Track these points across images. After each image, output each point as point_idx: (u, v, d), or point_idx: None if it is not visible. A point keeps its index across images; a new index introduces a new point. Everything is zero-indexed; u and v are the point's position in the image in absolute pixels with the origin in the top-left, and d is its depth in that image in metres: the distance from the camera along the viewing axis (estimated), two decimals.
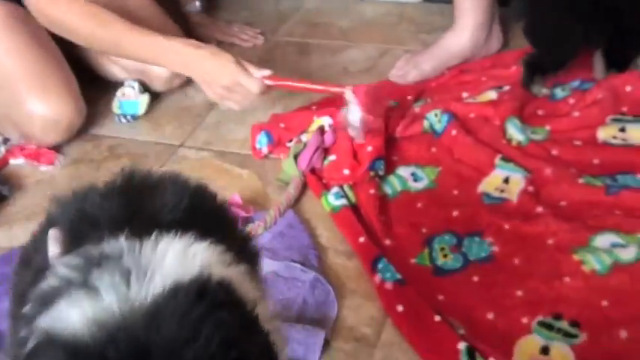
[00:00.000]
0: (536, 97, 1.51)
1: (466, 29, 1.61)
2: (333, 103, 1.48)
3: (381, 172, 1.35)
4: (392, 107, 1.50)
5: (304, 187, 1.36)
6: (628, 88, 1.45)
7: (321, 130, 1.43)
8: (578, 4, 1.41)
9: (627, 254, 1.11)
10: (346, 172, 1.35)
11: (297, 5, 2.07)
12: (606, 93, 1.45)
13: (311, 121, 1.48)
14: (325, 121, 1.46)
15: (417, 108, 1.51)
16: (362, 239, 1.21)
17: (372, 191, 1.30)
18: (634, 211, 1.19)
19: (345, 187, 1.33)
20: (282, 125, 1.50)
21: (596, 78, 1.50)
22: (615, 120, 1.41)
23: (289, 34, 1.93)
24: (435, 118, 1.46)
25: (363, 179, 1.33)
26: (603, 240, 1.14)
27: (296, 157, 1.38)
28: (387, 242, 1.22)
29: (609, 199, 1.22)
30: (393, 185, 1.34)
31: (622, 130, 1.38)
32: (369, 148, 1.36)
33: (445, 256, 1.18)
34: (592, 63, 1.53)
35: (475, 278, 1.13)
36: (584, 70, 1.55)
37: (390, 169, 1.38)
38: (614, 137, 1.37)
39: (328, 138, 1.41)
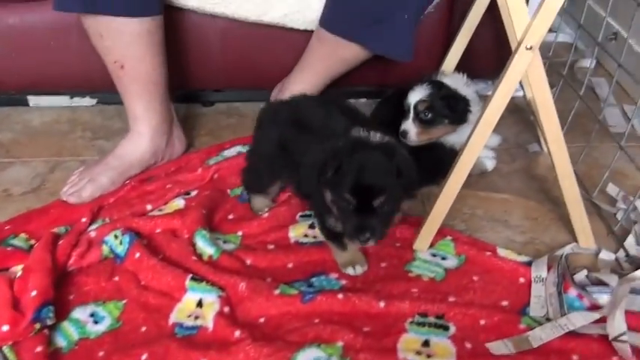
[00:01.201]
0: (226, 200, 1.43)
1: (143, 135, 1.47)
2: None
3: (50, 322, 1.11)
4: (61, 235, 1.28)
5: None
6: None
7: None
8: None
9: None
10: (5, 328, 1.08)
11: None
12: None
13: None
14: None
15: (92, 232, 1.31)
16: None
17: (39, 349, 1.06)
18: (332, 316, 1.14)
19: (5, 350, 1.07)
20: None
21: None
22: (304, 216, 1.38)
23: None
24: (116, 241, 1.28)
25: (26, 335, 1.08)
26: (306, 357, 1.06)
27: None
28: None
29: (306, 307, 1.15)
30: (67, 334, 1.12)
31: (312, 226, 1.35)
32: (33, 293, 1.12)
33: None
34: None
35: None
36: None
37: (63, 313, 1.15)
38: (306, 235, 1.33)
39: None
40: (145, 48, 1.38)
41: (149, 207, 1.39)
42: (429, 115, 1.41)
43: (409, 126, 1.42)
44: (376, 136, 1.08)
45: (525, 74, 1.14)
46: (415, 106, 1.41)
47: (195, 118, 1.75)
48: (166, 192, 1.44)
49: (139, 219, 1.34)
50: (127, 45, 1.38)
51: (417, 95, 1.41)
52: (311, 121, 1.19)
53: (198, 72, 1.66)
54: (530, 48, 1.09)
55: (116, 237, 1.28)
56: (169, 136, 1.53)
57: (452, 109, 1.38)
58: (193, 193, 1.44)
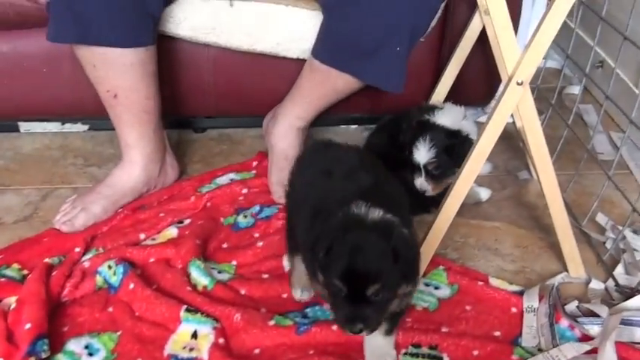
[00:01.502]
0: (220, 229, 1.44)
1: (136, 163, 1.47)
2: None
3: (44, 355, 1.10)
4: (54, 265, 1.28)
5: None
6: None
7: None
8: None
9: None
10: None
11: None
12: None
13: None
14: None
15: (86, 262, 1.31)
16: None
17: None
18: (327, 347, 1.15)
19: None
20: None
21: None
22: None
23: None
24: (110, 271, 1.28)
25: None
26: None
27: None
28: None
29: (301, 338, 1.16)
30: None
31: None
32: (28, 326, 1.12)
33: None
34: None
35: None
36: (264, 194, 1.53)
37: (58, 345, 1.14)
38: None
39: None
40: (138, 78, 1.39)
41: (142, 236, 1.39)
42: (440, 171, 1.43)
43: (424, 184, 1.45)
44: (375, 213, 0.97)
45: (516, 107, 1.16)
46: (425, 167, 1.44)
47: (186, 144, 1.75)
48: (159, 220, 1.44)
49: (133, 248, 1.34)
50: (120, 75, 1.38)
51: (423, 156, 1.42)
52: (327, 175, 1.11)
53: (190, 99, 1.66)
54: (521, 83, 1.11)
55: (110, 267, 1.28)
56: (162, 164, 1.53)
57: (458, 155, 1.37)
58: (186, 222, 1.45)
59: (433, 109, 1.48)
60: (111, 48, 1.35)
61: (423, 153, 1.42)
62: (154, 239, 1.40)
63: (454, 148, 1.41)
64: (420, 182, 1.45)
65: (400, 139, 1.47)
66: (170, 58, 1.59)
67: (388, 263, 0.94)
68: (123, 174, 1.47)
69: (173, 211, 1.47)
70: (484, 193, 1.53)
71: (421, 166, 1.44)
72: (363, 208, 0.98)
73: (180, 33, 1.55)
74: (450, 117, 1.47)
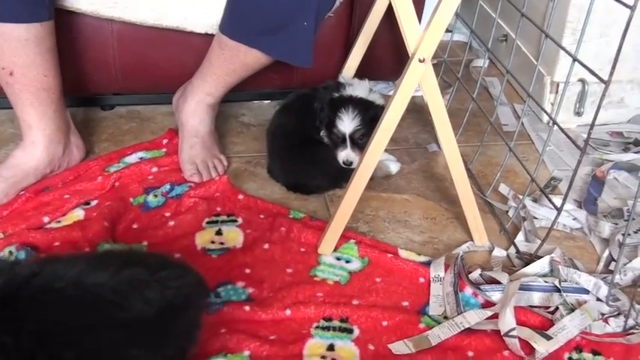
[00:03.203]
0: (129, 209, 1.40)
1: (38, 144, 1.41)
2: None
3: None
4: None
5: None
6: (217, 194, 1.46)
7: None
8: None
9: None
10: None
11: None
12: (198, 198, 1.42)
13: None
14: None
15: None
16: None
17: None
18: (238, 325, 1.15)
19: None
20: None
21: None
22: (211, 222, 1.38)
23: None
24: (11, 257, 1.22)
25: None
26: None
27: None
28: None
29: (212, 318, 1.15)
30: None
31: (219, 232, 1.35)
32: None
33: None
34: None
35: None
36: (174, 173, 1.50)
37: None
38: (212, 242, 1.33)
39: None
40: (34, 54, 1.33)
41: (46, 219, 1.34)
42: (365, 139, 1.42)
43: (351, 155, 1.45)
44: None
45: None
46: (351, 136, 1.44)
47: (94, 122, 1.69)
48: (64, 202, 1.39)
49: (36, 232, 1.29)
50: (15, 51, 1.31)
51: (348, 125, 1.43)
52: None
53: (95, 76, 1.60)
54: (423, 60, 1.13)
55: (11, 253, 1.23)
56: (66, 144, 1.48)
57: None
58: (93, 203, 1.40)
59: (340, 85, 1.49)
60: (3, 23, 1.28)
61: (347, 123, 1.43)
62: (58, 222, 1.35)
63: (376, 117, 1.42)
64: (347, 154, 1.45)
65: (315, 116, 1.48)
66: (71, 33, 1.52)
67: None
68: (24, 155, 1.41)
69: (79, 192, 1.43)
70: (394, 167, 1.56)
71: (347, 137, 1.44)
72: None
73: (80, 7, 1.48)
74: (360, 90, 1.49)
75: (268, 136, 1.58)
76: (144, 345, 0.89)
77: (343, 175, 1.43)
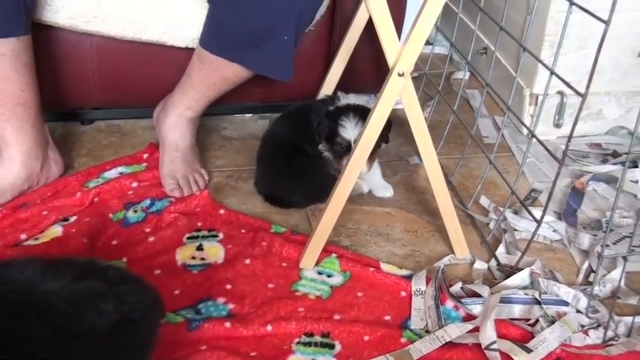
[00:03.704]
0: (109, 225, 1.39)
1: (15, 160, 1.40)
2: None
3: None
4: None
5: None
6: (198, 209, 1.45)
7: None
8: None
9: None
10: None
11: None
12: (179, 213, 1.42)
13: None
14: None
15: None
16: None
17: None
18: (219, 341, 1.14)
19: None
20: None
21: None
22: (191, 238, 1.37)
23: None
24: None
25: None
26: None
27: None
28: None
29: (193, 335, 1.14)
30: None
31: (199, 248, 1.34)
32: None
33: None
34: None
35: None
36: (155, 188, 1.49)
37: None
38: (193, 257, 1.32)
39: None
40: (10, 69, 1.31)
41: (23, 236, 1.33)
42: None
43: None
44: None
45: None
46: (356, 142, 1.38)
47: (73, 137, 1.68)
48: (42, 219, 1.37)
49: (12, 249, 1.28)
50: None
51: (352, 132, 1.39)
52: None
53: (74, 90, 1.59)
54: (402, 74, 1.13)
55: None
56: (44, 159, 1.46)
57: (383, 132, 1.36)
58: (72, 219, 1.38)
59: (336, 98, 1.47)
60: None
61: (350, 130, 1.39)
62: (36, 239, 1.33)
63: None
64: None
65: (313, 127, 1.45)
66: (50, 47, 1.51)
67: None
68: (1, 171, 1.39)
69: (57, 208, 1.41)
70: (365, 186, 1.54)
71: (352, 144, 1.39)
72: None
73: (59, 22, 1.48)
74: (357, 100, 1.47)
75: (260, 144, 1.56)
76: (94, 358, 0.88)
77: (323, 193, 1.42)
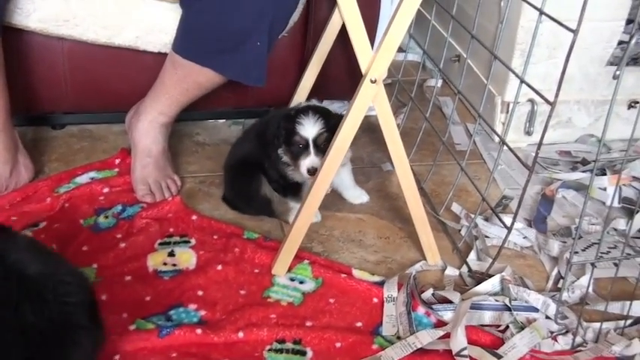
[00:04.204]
0: (79, 231, 1.37)
1: None
2: None
3: None
4: None
5: None
6: (170, 215, 1.44)
7: None
8: None
9: None
10: None
11: None
12: (150, 219, 1.41)
13: None
14: None
15: None
16: None
17: None
18: (190, 348, 1.13)
19: None
20: None
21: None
22: (163, 244, 1.36)
23: None
24: None
25: None
26: None
27: None
28: None
29: (163, 341, 1.13)
30: None
31: (171, 254, 1.33)
32: None
33: None
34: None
35: None
36: (126, 193, 1.48)
37: None
38: (165, 264, 1.31)
39: None
40: None
41: None
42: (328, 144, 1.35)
43: (315, 161, 1.37)
44: None
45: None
46: (315, 141, 1.37)
47: (44, 142, 1.66)
48: (11, 225, 1.35)
49: None
50: None
51: (311, 129, 1.37)
52: None
53: (45, 94, 1.57)
54: (375, 81, 1.14)
55: None
56: (14, 164, 1.44)
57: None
58: (42, 225, 1.37)
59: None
60: None
61: (309, 128, 1.36)
62: None
63: (337, 123, 1.31)
64: (311, 160, 1.37)
65: (271, 131, 1.43)
66: (20, 51, 1.50)
67: None
68: None
69: (27, 213, 1.39)
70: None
71: (310, 142, 1.37)
72: None
73: (30, 25, 1.46)
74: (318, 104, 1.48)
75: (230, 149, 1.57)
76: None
77: (264, 210, 1.46)
